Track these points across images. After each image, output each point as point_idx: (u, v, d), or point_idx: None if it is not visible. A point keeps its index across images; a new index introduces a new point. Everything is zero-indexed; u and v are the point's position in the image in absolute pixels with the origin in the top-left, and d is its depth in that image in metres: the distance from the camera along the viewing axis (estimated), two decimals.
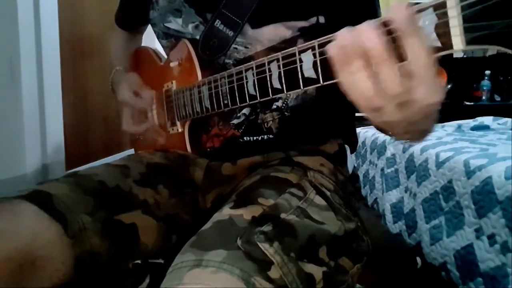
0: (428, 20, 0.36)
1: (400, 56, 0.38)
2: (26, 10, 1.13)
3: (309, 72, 0.47)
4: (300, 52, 0.47)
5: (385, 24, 0.38)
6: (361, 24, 0.38)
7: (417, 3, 0.37)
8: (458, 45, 0.35)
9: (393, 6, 0.36)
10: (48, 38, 1.22)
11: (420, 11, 0.36)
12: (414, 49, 0.36)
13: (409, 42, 0.36)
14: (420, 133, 0.51)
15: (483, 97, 2.94)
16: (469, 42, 0.34)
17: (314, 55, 0.45)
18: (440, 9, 0.35)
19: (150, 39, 0.96)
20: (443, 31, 0.35)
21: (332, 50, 0.40)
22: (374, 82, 0.38)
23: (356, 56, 0.38)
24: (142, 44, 1.05)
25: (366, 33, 0.37)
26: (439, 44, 0.36)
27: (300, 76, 0.48)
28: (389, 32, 0.38)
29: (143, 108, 0.83)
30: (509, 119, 2.00)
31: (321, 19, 0.69)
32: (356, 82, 0.39)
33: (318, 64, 0.46)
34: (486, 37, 0.33)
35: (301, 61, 0.47)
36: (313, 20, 0.69)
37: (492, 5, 0.32)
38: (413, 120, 0.42)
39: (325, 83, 0.46)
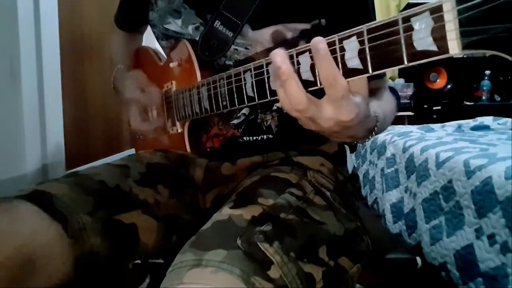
0: (424, 24, 0.36)
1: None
2: (26, 10, 1.13)
3: (306, 75, 0.47)
4: (298, 54, 0.47)
5: (307, 50, 0.45)
6: (274, 50, 0.45)
7: (417, 5, 0.37)
8: (454, 49, 0.35)
9: (314, 39, 0.43)
10: (48, 38, 1.22)
11: (416, 14, 0.36)
12: (322, 72, 0.43)
13: (318, 66, 0.43)
14: (351, 139, 0.53)
15: (483, 97, 2.94)
16: (465, 46, 0.34)
17: (312, 57, 0.46)
18: (436, 12, 0.35)
19: (150, 39, 0.96)
20: (439, 35, 0.35)
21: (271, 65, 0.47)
22: (286, 98, 0.45)
23: (275, 75, 0.45)
24: (143, 44, 1.05)
25: (274, 56, 0.44)
26: (435, 48, 0.36)
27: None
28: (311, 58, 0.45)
29: (152, 104, 0.83)
30: (509, 119, 2.00)
31: (322, 22, 0.69)
32: (279, 95, 0.46)
33: (316, 67, 0.46)
34: (482, 41, 0.33)
35: (298, 63, 0.48)
36: (314, 22, 0.69)
37: (488, 9, 0.32)
38: (333, 131, 0.46)
39: (322, 85, 0.46)
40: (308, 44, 0.46)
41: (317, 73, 0.45)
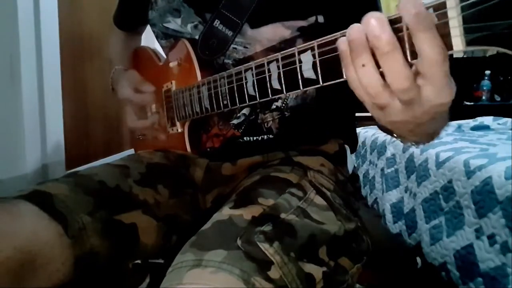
0: None
1: (412, 55, 0.37)
2: (26, 10, 1.13)
3: (308, 73, 0.47)
4: (300, 52, 0.47)
5: (395, 20, 0.37)
6: (369, 13, 0.36)
7: None
8: (458, 46, 0.35)
9: (403, 1, 0.34)
10: (48, 38, 1.22)
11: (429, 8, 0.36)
12: (424, 46, 0.34)
13: (419, 39, 0.34)
14: (427, 136, 0.49)
15: (483, 97, 2.94)
16: (469, 43, 0.34)
17: (314, 55, 0.45)
18: (440, 9, 0.35)
19: (150, 39, 0.96)
20: (443, 31, 0.35)
21: (341, 45, 0.39)
22: (380, 76, 0.37)
23: (363, 49, 0.37)
24: (142, 44, 1.05)
25: (374, 21, 0.36)
26: None
27: (299, 77, 0.48)
28: (400, 30, 0.36)
29: (146, 103, 0.84)
30: (509, 119, 2.00)
31: (320, 19, 0.69)
32: (363, 77, 0.38)
33: (318, 65, 0.46)
34: (486, 38, 0.33)
35: (300, 61, 0.47)
36: (312, 19, 0.69)
37: (492, 5, 0.32)
38: (420, 121, 0.40)
39: (324, 83, 0.46)
40: (310, 42, 0.46)
41: (419, 51, 0.35)
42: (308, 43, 0.46)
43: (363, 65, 0.37)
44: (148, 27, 0.88)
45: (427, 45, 0.34)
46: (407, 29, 0.36)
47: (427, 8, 0.35)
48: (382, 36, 0.35)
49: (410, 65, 0.37)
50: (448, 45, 0.35)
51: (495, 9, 0.32)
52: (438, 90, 0.36)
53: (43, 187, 0.60)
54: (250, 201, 0.56)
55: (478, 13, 0.33)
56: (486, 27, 0.33)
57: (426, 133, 0.47)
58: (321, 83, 0.45)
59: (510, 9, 0.31)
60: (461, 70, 2.84)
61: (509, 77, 2.97)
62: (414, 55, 0.36)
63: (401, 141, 0.54)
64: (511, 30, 0.32)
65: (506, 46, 0.33)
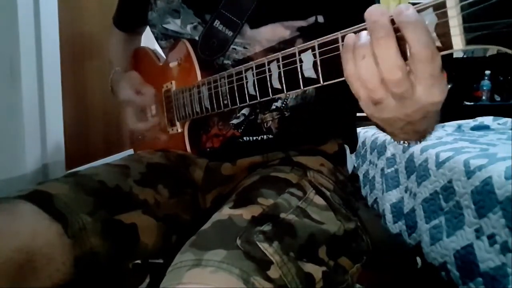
0: (428, 20, 0.36)
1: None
2: (26, 10, 1.13)
3: (309, 72, 0.47)
4: (300, 52, 0.47)
5: (392, 21, 0.37)
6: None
7: (418, 3, 0.37)
8: (458, 45, 0.35)
9: (399, 6, 0.36)
10: (48, 38, 1.22)
11: (420, 11, 0.37)
12: (415, 44, 0.35)
13: (410, 37, 0.36)
14: (418, 134, 0.50)
15: (483, 97, 2.95)
16: (469, 42, 0.34)
17: (314, 55, 0.46)
18: (439, 9, 0.35)
19: (150, 39, 0.96)
20: (443, 31, 0.35)
21: (348, 39, 0.40)
22: (376, 69, 0.38)
23: (366, 40, 0.38)
24: (142, 45, 1.05)
25: (372, 9, 0.37)
26: (439, 44, 0.36)
27: (300, 76, 0.48)
28: (397, 30, 0.37)
29: (146, 105, 0.84)
30: (509, 119, 2.00)
31: (320, 19, 0.69)
32: (361, 70, 0.39)
33: (318, 64, 0.46)
34: (486, 36, 0.33)
35: (301, 61, 0.48)
36: (312, 19, 0.69)
37: (491, 4, 0.32)
38: (411, 119, 0.42)
39: (325, 83, 0.46)
40: (311, 42, 0.46)
41: (407, 47, 0.37)
42: (309, 42, 0.46)
43: (364, 57, 0.38)
44: (148, 28, 0.88)
45: (414, 42, 0.35)
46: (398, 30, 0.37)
47: (427, 7, 0.36)
48: (379, 21, 0.36)
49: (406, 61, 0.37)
50: (448, 44, 0.35)
51: (494, 8, 0.32)
52: (428, 88, 0.37)
53: (43, 187, 0.60)
54: (249, 201, 0.56)
55: (477, 12, 0.33)
56: (486, 26, 0.33)
57: (417, 131, 0.47)
58: (321, 83, 0.45)
59: (509, 8, 0.31)
60: (461, 70, 2.84)
61: (509, 77, 2.97)
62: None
63: (392, 139, 0.55)
64: (510, 29, 0.32)
65: (506, 45, 0.33)
